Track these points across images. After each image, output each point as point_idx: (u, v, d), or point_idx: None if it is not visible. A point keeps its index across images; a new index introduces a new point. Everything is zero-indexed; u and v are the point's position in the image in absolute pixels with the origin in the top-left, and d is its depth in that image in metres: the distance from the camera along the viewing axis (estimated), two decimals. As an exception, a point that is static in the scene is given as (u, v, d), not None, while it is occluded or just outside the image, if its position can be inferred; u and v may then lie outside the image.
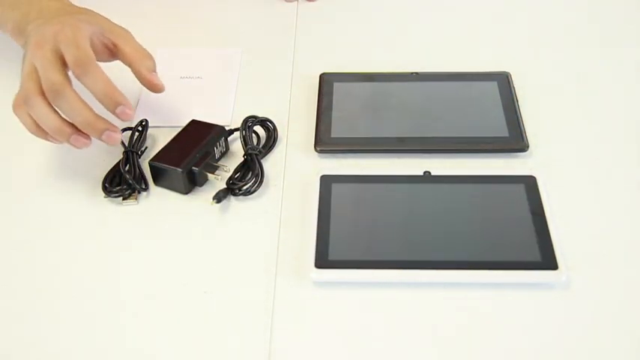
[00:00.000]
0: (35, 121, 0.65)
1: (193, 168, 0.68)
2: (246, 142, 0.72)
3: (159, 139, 0.75)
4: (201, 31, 0.91)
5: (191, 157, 0.69)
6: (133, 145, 0.72)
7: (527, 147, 0.72)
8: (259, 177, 0.69)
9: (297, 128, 0.76)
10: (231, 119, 0.78)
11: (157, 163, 0.69)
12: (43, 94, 0.64)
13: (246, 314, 0.60)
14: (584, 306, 0.60)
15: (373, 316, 0.60)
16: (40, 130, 0.66)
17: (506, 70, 0.80)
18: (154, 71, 0.72)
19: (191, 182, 0.69)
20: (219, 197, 0.67)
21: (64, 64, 0.65)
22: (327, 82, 0.80)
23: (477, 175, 0.69)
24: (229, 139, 0.74)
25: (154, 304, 0.61)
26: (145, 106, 0.79)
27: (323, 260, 0.62)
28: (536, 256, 0.62)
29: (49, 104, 0.64)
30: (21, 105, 0.65)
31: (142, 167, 0.71)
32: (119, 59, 0.71)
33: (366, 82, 0.80)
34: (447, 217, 0.65)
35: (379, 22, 0.91)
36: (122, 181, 0.69)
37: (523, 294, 0.61)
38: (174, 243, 0.66)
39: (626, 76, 0.82)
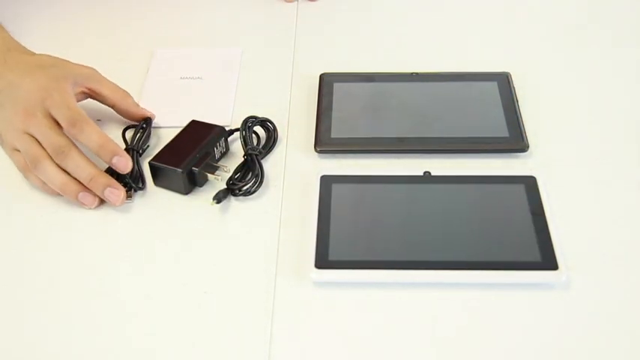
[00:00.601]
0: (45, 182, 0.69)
1: (193, 168, 0.68)
2: (246, 142, 0.72)
3: (159, 139, 0.75)
4: (201, 31, 0.90)
5: (191, 157, 0.69)
6: (135, 144, 0.73)
7: (527, 147, 0.72)
8: (259, 177, 0.69)
9: (297, 128, 0.76)
10: (231, 119, 0.78)
11: (156, 163, 0.69)
12: (49, 157, 0.68)
13: (246, 314, 0.60)
14: (584, 306, 0.60)
15: (373, 316, 0.60)
16: (51, 190, 0.69)
17: (506, 70, 0.80)
18: (137, 104, 0.76)
19: (191, 182, 0.69)
20: (219, 198, 0.67)
21: (59, 126, 0.69)
22: (327, 82, 0.80)
23: (477, 175, 0.69)
24: (229, 139, 0.74)
25: (154, 304, 0.61)
26: (145, 107, 0.79)
27: (323, 260, 0.62)
28: (536, 256, 0.62)
29: (57, 165, 0.68)
30: (31, 170, 0.69)
31: (142, 166, 0.71)
32: (96, 100, 0.75)
33: (366, 82, 0.80)
34: (447, 217, 0.65)
35: (379, 22, 0.91)
36: (119, 179, 0.69)
37: (523, 294, 0.61)
38: (174, 243, 0.66)
39: (626, 76, 0.82)
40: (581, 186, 0.69)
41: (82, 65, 0.75)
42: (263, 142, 0.74)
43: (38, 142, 0.68)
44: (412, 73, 0.81)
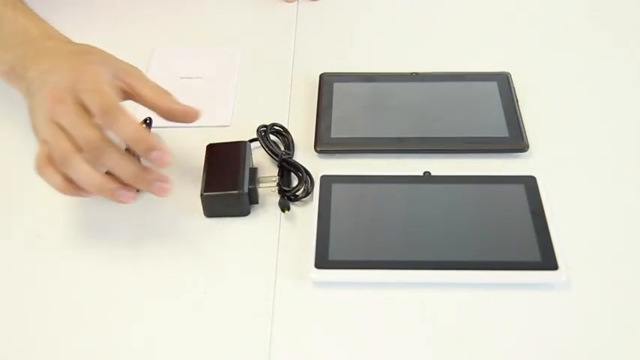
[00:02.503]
0: (66, 180, 0.61)
1: (251, 186, 0.67)
2: (272, 150, 0.72)
3: (160, 140, 0.75)
4: (201, 31, 0.90)
5: (241, 177, 0.67)
6: None
7: (527, 147, 0.72)
8: (309, 175, 0.69)
9: (296, 128, 0.76)
10: (231, 119, 0.77)
11: (212, 193, 0.66)
12: (80, 151, 0.60)
13: (246, 314, 0.60)
14: (584, 306, 0.60)
15: (373, 316, 0.60)
16: (73, 188, 0.61)
17: (506, 70, 0.80)
18: (178, 102, 0.67)
19: (250, 202, 0.68)
20: (288, 206, 0.67)
21: (91, 115, 0.61)
22: (327, 82, 0.80)
23: (477, 175, 0.69)
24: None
25: (154, 304, 0.61)
26: (144, 107, 0.79)
27: (323, 260, 0.62)
28: (536, 256, 0.62)
29: (88, 162, 0.60)
30: (47, 165, 0.61)
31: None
32: (134, 100, 0.66)
33: (366, 82, 0.80)
34: (446, 217, 0.65)
35: (379, 22, 0.91)
36: None
37: (523, 294, 0.61)
38: (173, 243, 0.66)
39: (626, 75, 0.82)
40: (581, 186, 0.69)
41: (127, 62, 0.68)
42: (280, 145, 0.74)
43: (68, 132, 0.60)
44: (412, 73, 0.81)
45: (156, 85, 0.67)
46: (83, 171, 0.60)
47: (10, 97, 0.71)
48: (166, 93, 0.67)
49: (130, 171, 0.61)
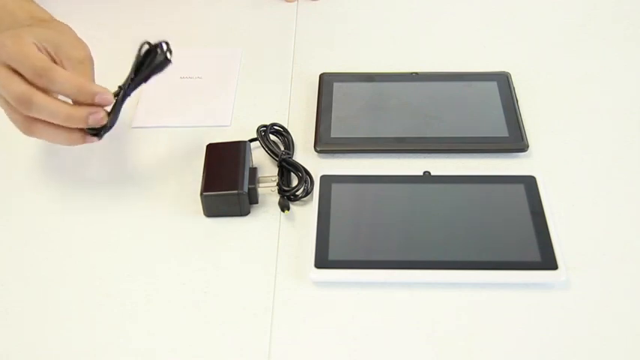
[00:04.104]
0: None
1: (250, 186, 0.67)
2: (272, 150, 0.72)
3: (160, 140, 0.75)
4: (201, 31, 0.90)
5: (241, 176, 0.67)
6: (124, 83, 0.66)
7: (527, 147, 0.72)
8: (309, 175, 0.69)
9: (296, 128, 0.76)
10: (230, 119, 0.77)
11: (212, 193, 0.66)
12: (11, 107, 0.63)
13: (246, 314, 0.60)
14: (584, 306, 0.60)
15: (373, 316, 0.60)
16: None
17: (506, 70, 0.80)
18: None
19: (250, 202, 0.68)
20: (287, 206, 0.67)
21: (18, 75, 0.62)
22: (327, 82, 0.80)
23: (477, 175, 0.69)
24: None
25: (154, 304, 0.61)
26: (144, 107, 0.79)
27: (323, 260, 0.62)
28: (536, 256, 0.62)
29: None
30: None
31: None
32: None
33: (366, 82, 0.80)
34: (446, 217, 0.65)
35: (379, 22, 0.91)
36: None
37: (523, 294, 0.61)
38: (173, 243, 0.66)
39: (626, 75, 0.82)
40: (581, 186, 0.69)
41: (77, 41, 0.68)
42: (280, 145, 0.74)
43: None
44: (412, 73, 0.81)
45: (72, 77, 0.64)
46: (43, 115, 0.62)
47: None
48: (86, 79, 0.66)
49: (62, 113, 0.62)
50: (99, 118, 0.64)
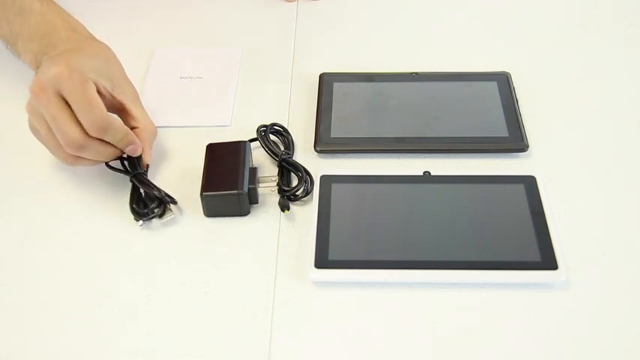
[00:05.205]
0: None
1: (250, 186, 0.67)
2: (272, 150, 0.72)
3: (160, 140, 0.75)
4: (201, 31, 0.90)
5: (241, 176, 0.67)
6: (132, 168, 0.69)
7: (527, 147, 0.72)
8: (309, 175, 0.69)
9: (296, 128, 0.76)
10: (231, 119, 0.77)
11: (211, 193, 0.66)
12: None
13: (246, 314, 0.60)
14: (584, 306, 0.60)
15: (373, 316, 0.60)
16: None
17: (506, 70, 0.80)
18: (150, 147, 0.71)
19: (250, 202, 0.68)
20: (287, 206, 0.67)
21: (70, 109, 0.64)
22: (327, 82, 0.80)
23: (477, 175, 0.69)
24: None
25: (154, 304, 0.61)
26: (145, 107, 0.79)
27: (323, 260, 0.62)
28: (536, 256, 0.62)
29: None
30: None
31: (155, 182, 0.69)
32: (121, 117, 0.70)
33: (366, 82, 0.80)
34: (446, 217, 0.65)
35: (379, 22, 0.91)
36: (147, 203, 0.67)
37: (523, 294, 0.61)
38: (173, 243, 0.66)
39: (626, 75, 0.82)
40: (580, 186, 0.69)
41: (127, 80, 0.72)
42: (280, 145, 0.74)
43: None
44: (412, 73, 0.81)
45: (146, 115, 0.71)
46: (60, 157, 0.66)
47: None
48: (152, 130, 0.71)
49: (107, 154, 0.67)
50: (134, 149, 0.68)
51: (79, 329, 0.60)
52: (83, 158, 0.66)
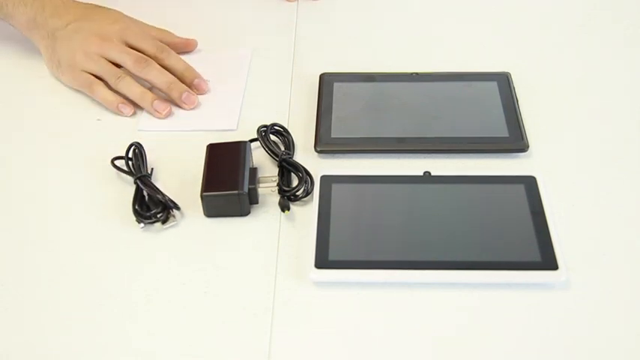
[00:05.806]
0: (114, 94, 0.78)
1: (251, 186, 0.67)
2: (272, 150, 0.72)
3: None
4: (201, 32, 0.90)
5: (241, 176, 0.67)
6: (136, 170, 0.69)
7: (527, 147, 0.72)
8: (309, 176, 0.69)
9: (297, 128, 0.76)
10: (237, 124, 0.77)
11: (212, 193, 0.66)
12: (129, 74, 0.78)
13: (246, 314, 0.60)
14: (584, 306, 0.60)
15: (373, 316, 0.60)
16: (116, 103, 0.78)
17: (506, 70, 0.80)
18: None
19: (250, 202, 0.67)
20: (288, 206, 0.66)
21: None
22: (327, 82, 0.80)
23: (477, 175, 0.69)
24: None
25: (154, 304, 0.61)
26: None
27: (323, 260, 0.62)
28: (536, 256, 0.62)
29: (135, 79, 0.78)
30: (106, 85, 0.78)
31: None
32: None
33: (366, 82, 0.80)
34: (447, 217, 0.65)
35: (379, 22, 0.91)
36: (150, 207, 0.66)
37: (523, 294, 0.61)
38: (173, 243, 0.66)
39: (626, 75, 0.82)
40: (581, 186, 0.69)
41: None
42: (280, 145, 0.74)
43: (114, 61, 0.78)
44: (412, 73, 0.81)
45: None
46: (130, 85, 0.77)
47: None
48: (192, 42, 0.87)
49: (167, 80, 0.78)
50: (192, 98, 0.78)
51: (79, 329, 0.60)
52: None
